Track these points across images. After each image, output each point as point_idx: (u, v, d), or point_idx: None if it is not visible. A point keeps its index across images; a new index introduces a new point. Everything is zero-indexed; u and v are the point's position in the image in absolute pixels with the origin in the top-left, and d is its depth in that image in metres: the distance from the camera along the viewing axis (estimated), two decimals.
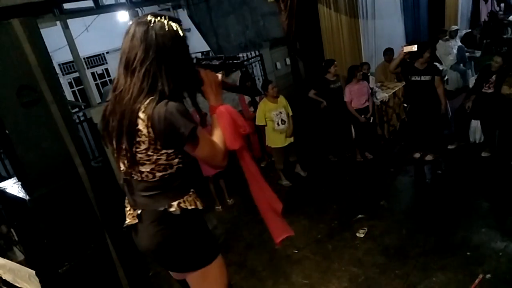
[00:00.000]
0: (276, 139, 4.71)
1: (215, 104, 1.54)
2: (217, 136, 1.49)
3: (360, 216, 3.88)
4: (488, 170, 4.34)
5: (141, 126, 1.33)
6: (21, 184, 2.80)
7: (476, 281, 2.73)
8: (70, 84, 10.54)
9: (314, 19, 6.01)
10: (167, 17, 1.37)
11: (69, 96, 9.94)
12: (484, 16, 10.18)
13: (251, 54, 6.77)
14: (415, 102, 4.70)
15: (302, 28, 6.05)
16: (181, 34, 1.40)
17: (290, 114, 4.71)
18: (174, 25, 1.37)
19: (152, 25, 1.34)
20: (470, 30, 8.37)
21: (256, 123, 4.74)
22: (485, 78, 4.50)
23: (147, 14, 1.38)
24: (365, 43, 6.62)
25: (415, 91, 4.61)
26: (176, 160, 1.44)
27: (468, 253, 3.06)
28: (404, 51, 4.40)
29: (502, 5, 9.94)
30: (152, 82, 1.33)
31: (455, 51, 7.22)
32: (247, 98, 5.37)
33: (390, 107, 5.78)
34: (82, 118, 5.18)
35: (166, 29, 1.35)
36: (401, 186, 4.59)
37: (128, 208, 1.57)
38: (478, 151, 4.73)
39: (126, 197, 1.59)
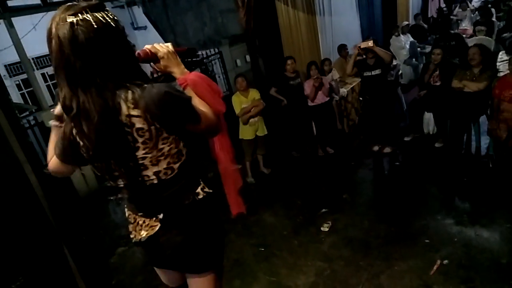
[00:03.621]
0: (246, 131, 4.71)
1: (183, 75, 1.42)
2: (203, 105, 1.38)
3: (324, 210, 3.95)
4: (441, 160, 4.55)
5: (139, 124, 1.22)
6: None
7: (435, 267, 2.86)
8: (18, 86, 9.91)
9: (272, 16, 6.01)
10: (87, 9, 1.17)
11: (18, 99, 9.34)
12: (432, 12, 10.71)
13: (210, 51, 6.70)
14: (370, 96, 4.87)
15: (261, 25, 6.04)
16: (111, 23, 1.21)
17: (258, 97, 4.67)
18: (100, 15, 1.19)
19: (76, 27, 1.15)
20: (415, 22, 8.72)
21: (236, 114, 4.65)
22: (427, 71, 4.76)
23: (62, 11, 1.17)
24: (323, 39, 6.73)
25: (368, 86, 4.80)
26: (182, 144, 1.38)
27: (426, 241, 3.19)
28: (362, 47, 4.53)
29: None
30: (110, 84, 1.20)
31: (407, 46, 7.52)
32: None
33: (349, 102, 5.92)
34: (33, 122, 4.91)
35: (95, 26, 1.16)
36: (361, 179, 4.71)
37: (140, 221, 1.46)
38: (432, 142, 4.96)
39: (130, 212, 1.50)
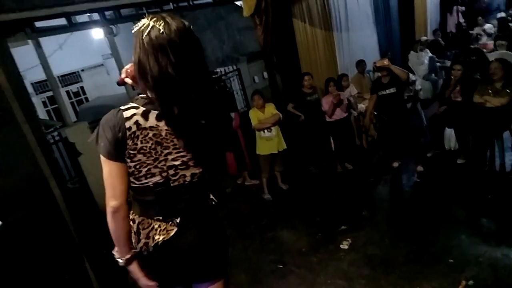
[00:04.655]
0: (263, 147, 4.73)
1: None
2: None
3: (343, 227, 3.89)
4: (464, 177, 4.45)
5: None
6: None
7: None
8: (44, 103, 10.27)
9: (290, 33, 6.09)
10: (170, 17, 1.34)
11: (43, 116, 9.67)
12: (451, 28, 10.63)
13: (228, 68, 6.80)
14: (386, 115, 4.82)
15: (278, 42, 6.12)
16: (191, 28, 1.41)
17: (275, 112, 4.69)
18: (186, 23, 1.37)
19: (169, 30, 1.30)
20: (434, 38, 8.69)
21: (252, 126, 4.71)
22: (448, 87, 4.68)
23: (152, 19, 1.32)
24: (340, 55, 6.75)
25: (384, 105, 4.75)
26: None
27: (450, 260, 3.10)
28: (378, 65, 4.53)
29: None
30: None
31: (426, 61, 7.47)
32: None
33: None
34: (57, 138, 5.05)
35: (184, 29, 1.35)
36: (381, 196, 4.64)
37: (155, 225, 1.47)
38: (453, 158, 4.85)
39: (144, 217, 1.48)
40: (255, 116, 4.64)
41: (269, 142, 4.69)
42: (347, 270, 3.24)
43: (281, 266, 3.48)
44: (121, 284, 3.51)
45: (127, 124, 1.34)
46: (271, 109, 4.72)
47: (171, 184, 1.43)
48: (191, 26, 1.38)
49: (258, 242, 3.92)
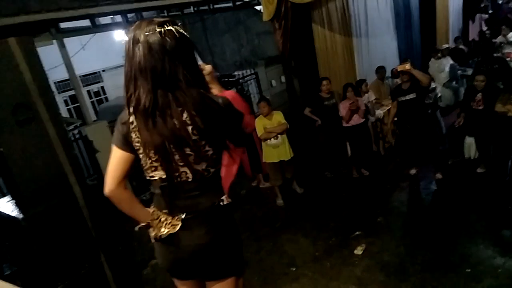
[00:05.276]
0: (269, 154, 4.70)
1: (221, 92, 1.60)
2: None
3: (357, 233, 3.85)
4: (483, 186, 4.35)
5: (196, 124, 1.36)
6: (15, 203, 2.76)
7: None
8: (65, 102, 10.54)
9: (309, 38, 6.10)
10: (170, 22, 1.37)
11: (65, 114, 9.91)
12: (473, 35, 10.44)
13: (246, 72, 6.85)
14: (407, 121, 4.75)
15: (297, 47, 6.14)
16: (187, 35, 1.41)
17: (283, 121, 4.65)
18: (180, 29, 1.38)
19: (164, 36, 1.33)
20: (455, 45, 8.54)
21: (258, 136, 4.72)
22: (471, 97, 4.59)
23: (147, 23, 1.35)
24: (359, 61, 6.71)
25: (404, 111, 4.69)
26: (221, 153, 1.52)
27: (467, 270, 3.03)
28: (399, 69, 4.49)
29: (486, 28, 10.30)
30: (185, 86, 1.35)
31: (447, 69, 7.34)
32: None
33: (385, 123, 5.83)
34: (77, 136, 5.18)
35: (178, 36, 1.36)
36: (397, 203, 4.57)
37: (162, 218, 1.52)
38: (473, 167, 4.75)
39: (156, 208, 1.55)
40: (261, 124, 4.60)
41: (276, 149, 4.65)
42: (361, 276, 3.20)
43: (293, 269, 3.46)
44: (135, 279, 3.56)
45: (131, 119, 1.40)
46: (278, 117, 4.67)
47: (175, 180, 1.45)
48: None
49: (272, 245, 3.92)
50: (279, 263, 3.60)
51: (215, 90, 1.60)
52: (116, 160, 1.48)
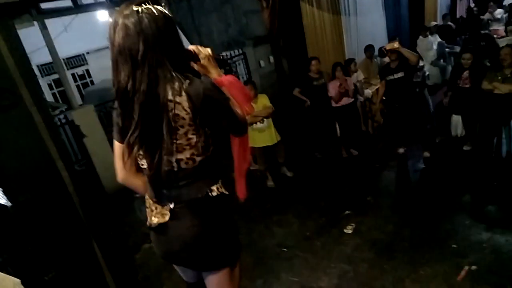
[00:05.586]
0: (256, 138, 4.63)
1: (219, 76, 1.53)
2: (235, 105, 1.49)
3: (347, 212, 3.91)
4: (470, 164, 4.44)
5: (177, 110, 1.31)
6: (2, 190, 2.72)
7: (462, 273, 2.79)
8: (49, 85, 10.30)
9: (297, 17, 6.01)
10: (149, 1, 1.32)
11: (49, 98, 9.71)
12: (461, 13, 10.43)
13: (234, 52, 6.75)
14: (395, 100, 4.78)
15: (285, 26, 6.05)
16: (170, 14, 1.37)
17: (268, 105, 4.60)
18: (160, 8, 1.34)
19: (141, 14, 1.28)
20: (443, 23, 8.52)
21: None
22: (458, 75, 4.61)
23: (127, 5, 1.31)
24: (348, 40, 6.67)
25: (392, 90, 4.70)
26: (211, 140, 1.45)
27: (453, 246, 3.12)
28: (387, 48, 4.48)
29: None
30: (162, 69, 1.31)
31: (435, 46, 7.36)
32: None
33: (374, 103, 5.85)
34: (63, 121, 5.09)
35: (156, 15, 1.31)
36: (386, 181, 4.65)
37: (153, 207, 1.50)
38: (460, 145, 4.83)
39: (147, 197, 1.54)
40: None
41: (262, 133, 4.60)
42: (351, 254, 3.27)
43: (285, 250, 3.52)
44: (127, 264, 3.59)
45: (116, 104, 1.39)
46: (264, 100, 4.60)
47: (161, 170, 1.40)
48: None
49: (263, 226, 3.96)
50: (271, 244, 3.65)
51: (213, 74, 1.52)
52: (116, 152, 1.50)
